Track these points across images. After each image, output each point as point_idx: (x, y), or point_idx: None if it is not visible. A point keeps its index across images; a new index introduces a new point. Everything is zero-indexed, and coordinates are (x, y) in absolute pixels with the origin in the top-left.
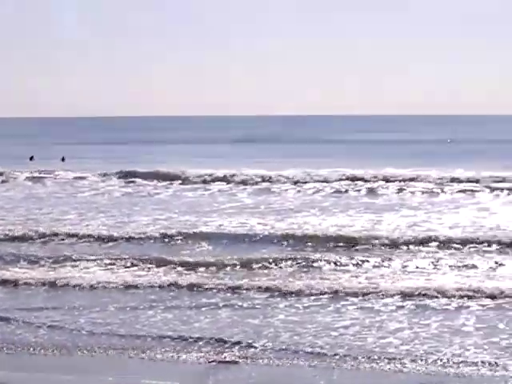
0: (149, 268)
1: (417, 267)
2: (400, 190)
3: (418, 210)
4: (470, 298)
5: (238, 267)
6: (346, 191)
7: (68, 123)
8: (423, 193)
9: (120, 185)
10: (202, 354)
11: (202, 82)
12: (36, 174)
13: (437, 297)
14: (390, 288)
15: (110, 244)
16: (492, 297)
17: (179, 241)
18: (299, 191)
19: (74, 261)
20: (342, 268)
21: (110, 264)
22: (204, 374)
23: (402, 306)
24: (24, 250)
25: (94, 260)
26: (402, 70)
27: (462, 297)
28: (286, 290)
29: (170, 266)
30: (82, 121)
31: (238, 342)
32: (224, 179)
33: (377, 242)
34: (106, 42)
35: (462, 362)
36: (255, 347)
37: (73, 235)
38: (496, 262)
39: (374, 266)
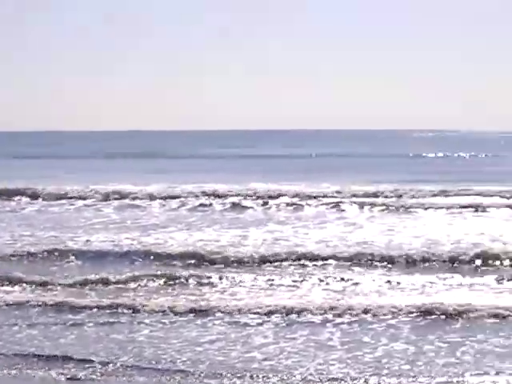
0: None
1: (283, 283)
2: (265, 205)
3: (284, 225)
4: (336, 312)
5: (103, 284)
6: (211, 205)
7: None
8: (289, 207)
9: None
10: (63, 371)
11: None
12: None
13: (303, 311)
14: (255, 303)
15: None
16: (358, 312)
17: (43, 258)
18: (164, 206)
19: None
20: (207, 284)
21: None
22: None
23: (268, 321)
24: None
25: None
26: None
27: (327, 311)
28: (150, 307)
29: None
30: None
31: (100, 359)
32: (90, 194)
33: (244, 257)
34: None
35: (324, 376)
36: (115, 363)
37: None
38: (362, 278)
39: (241, 282)
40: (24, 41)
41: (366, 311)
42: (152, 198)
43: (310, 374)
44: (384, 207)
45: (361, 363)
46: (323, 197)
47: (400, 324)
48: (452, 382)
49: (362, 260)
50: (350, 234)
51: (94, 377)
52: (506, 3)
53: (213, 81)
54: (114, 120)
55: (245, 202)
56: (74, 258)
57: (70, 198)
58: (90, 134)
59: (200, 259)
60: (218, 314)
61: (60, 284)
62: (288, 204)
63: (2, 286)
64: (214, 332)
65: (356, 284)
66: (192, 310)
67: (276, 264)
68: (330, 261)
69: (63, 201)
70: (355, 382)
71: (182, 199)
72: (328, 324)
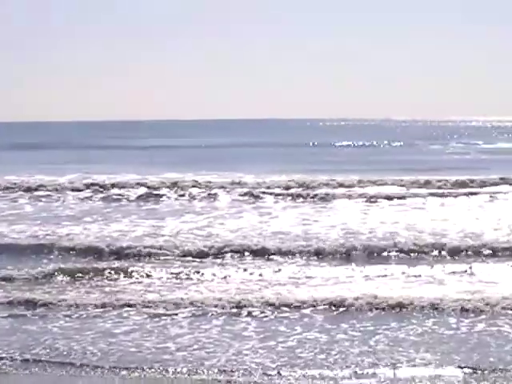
0: None
1: (198, 273)
2: (182, 195)
3: (200, 215)
4: (251, 303)
5: (22, 279)
6: (128, 198)
7: None
8: (205, 198)
9: None
10: None
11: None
12: None
13: (218, 303)
14: (172, 295)
15: None
16: (272, 303)
17: None
18: (80, 197)
19: None
20: (127, 276)
21: None
22: None
23: (184, 312)
24: None
25: None
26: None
27: (242, 302)
28: (63, 300)
29: None
30: None
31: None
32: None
33: (161, 249)
34: None
35: (236, 366)
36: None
37: None
38: (279, 270)
39: (158, 274)
40: None
41: (283, 303)
42: (64, 188)
43: (222, 365)
44: (298, 197)
45: (273, 353)
46: (238, 186)
47: (314, 314)
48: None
49: (280, 251)
50: (266, 225)
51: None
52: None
53: None
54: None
55: (159, 192)
56: None
57: None
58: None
59: (115, 251)
60: (133, 306)
61: None
62: (204, 194)
63: None
64: (129, 323)
65: (274, 274)
66: (105, 304)
67: (194, 255)
68: (246, 253)
69: None
70: (267, 371)
71: (97, 189)
72: (243, 314)
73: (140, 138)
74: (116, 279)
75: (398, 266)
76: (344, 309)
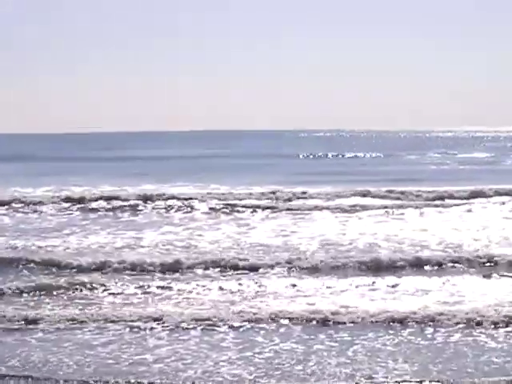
0: None
1: (175, 287)
2: (159, 207)
3: (178, 227)
4: (233, 314)
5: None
6: (103, 207)
7: None
8: (182, 209)
9: None
10: None
11: None
12: None
13: (199, 314)
14: (151, 308)
15: None
16: (251, 315)
17: None
18: (58, 209)
19: None
20: (103, 291)
21: None
22: None
23: (162, 325)
24: None
25: None
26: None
27: (222, 313)
28: (37, 315)
29: None
30: None
31: None
32: None
33: (139, 262)
34: None
35: (212, 377)
36: None
37: None
38: (258, 283)
39: (137, 287)
40: None
41: (270, 315)
42: (43, 201)
43: (198, 377)
44: (274, 209)
45: (251, 364)
46: (214, 198)
47: (292, 325)
48: None
49: (262, 263)
50: (245, 237)
51: None
52: None
53: None
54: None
55: (138, 206)
56: None
57: None
58: None
59: (98, 265)
60: (113, 320)
61: None
62: (181, 205)
63: None
64: (109, 335)
65: (258, 287)
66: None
67: (172, 268)
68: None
69: None
70: (242, 381)
71: (76, 202)
72: (222, 325)
73: (111, 150)
74: (93, 293)
75: (378, 277)
76: (321, 320)
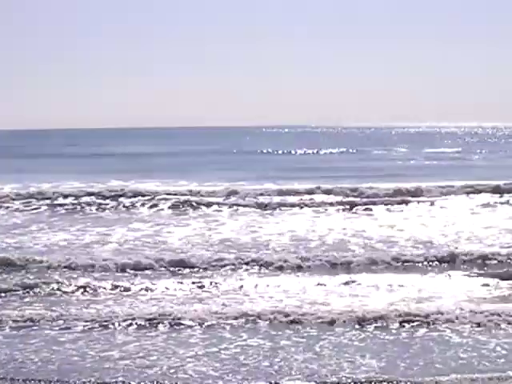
0: None
1: (143, 286)
2: (129, 204)
3: (147, 223)
4: (200, 311)
5: None
6: (73, 206)
7: None
8: (149, 205)
9: None
10: None
11: None
12: None
13: (165, 312)
14: (119, 307)
15: None
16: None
17: None
18: (26, 206)
19: None
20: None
21: None
22: None
23: (132, 323)
24: None
25: None
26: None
27: (190, 310)
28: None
29: None
30: None
31: None
32: None
33: (107, 261)
34: None
35: (176, 374)
36: None
37: None
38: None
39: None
40: None
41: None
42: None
43: (162, 374)
44: (244, 206)
45: (216, 360)
46: (181, 195)
47: (258, 321)
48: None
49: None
50: (214, 233)
51: None
52: None
53: None
54: None
55: (107, 202)
56: None
57: None
58: None
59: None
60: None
61: None
62: (149, 202)
63: None
64: (76, 331)
65: (220, 284)
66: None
67: (140, 266)
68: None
69: None
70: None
71: (41, 199)
72: (191, 323)
73: (81, 146)
74: (64, 291)
75: (348, 275)
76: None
